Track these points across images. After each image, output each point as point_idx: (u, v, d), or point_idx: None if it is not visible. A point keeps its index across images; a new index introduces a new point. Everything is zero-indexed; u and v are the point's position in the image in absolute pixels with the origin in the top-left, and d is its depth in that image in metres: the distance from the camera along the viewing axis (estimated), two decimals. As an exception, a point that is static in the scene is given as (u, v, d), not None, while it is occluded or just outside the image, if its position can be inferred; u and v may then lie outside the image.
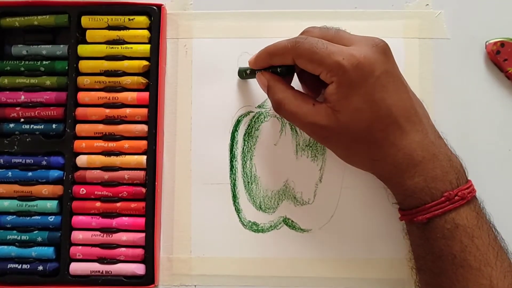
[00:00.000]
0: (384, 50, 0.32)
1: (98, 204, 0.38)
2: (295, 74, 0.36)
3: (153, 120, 0.38)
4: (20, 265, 0.37)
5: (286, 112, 0.34)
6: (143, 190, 0.38)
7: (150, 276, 0.37)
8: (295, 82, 0.36)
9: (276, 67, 0.34)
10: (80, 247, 0.38)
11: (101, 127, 0.38)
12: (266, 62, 0.35)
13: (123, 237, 0.37)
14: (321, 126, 0.32)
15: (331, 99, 0.32)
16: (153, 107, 0.38)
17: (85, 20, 0.39)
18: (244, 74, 0.38)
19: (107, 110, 0.38)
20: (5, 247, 0.38)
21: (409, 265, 0.36)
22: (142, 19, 0.39)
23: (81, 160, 0.38)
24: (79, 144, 0.38)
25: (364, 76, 0.31)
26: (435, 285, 0.32)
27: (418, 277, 0.34)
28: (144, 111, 0.38)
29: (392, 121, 0.31)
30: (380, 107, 0.31)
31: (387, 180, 0.34)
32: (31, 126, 0.38)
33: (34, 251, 0.37)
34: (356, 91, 0.31)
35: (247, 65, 0.37)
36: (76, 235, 0.38)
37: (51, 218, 0.38)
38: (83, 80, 0.39)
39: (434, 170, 0.31)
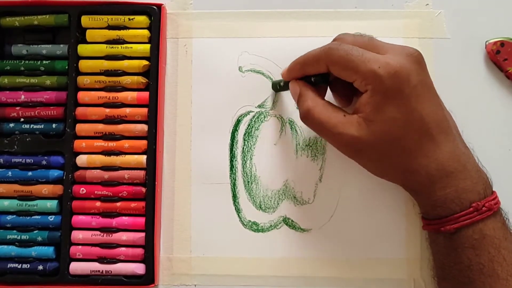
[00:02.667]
0: (419, 59, 0.31)
1: (98, 203, 0.38)
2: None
3: (153, 119, 0.38)
4: (20, 264, 0.37)
5: (314, 121, 0.33)
6: (143, 189, 0.38)
7: (150, 275, 0.37)
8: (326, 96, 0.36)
9: (309, 76, 0.34)
10: (80, 246, 0.38)
11: (101, 127, 0.38)
12: (300, 72, 0.34)
13: (123, 236, 0.37)
14: (352, 137, 0.32)
15: (364, 109, 0.31)
16: (153, 106, 0.38)
17: (85, 20, 0.39)
18: (278, 86, 0.37)
19: (107, 110, 0.38)
20: (5, 246, 0.38)
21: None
22: (142, 19, 0.39)
23: (81, 159, 0.38)
24: (79, 144, 0.38)
25: (400, 85, 0.30)
26: None
27: (440, 286, 0.34)
28: (144, 110, 0.38)
29: (425, 132, 0.31)
30: (414, 118, 0.31)
31: (417, 191, 0.34)
32: (31, 125, 0.38)
33: (34, 251, 0.37)
34: (391, 101, 0.30)
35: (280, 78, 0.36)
36: (76, 235, 0.38)
37: (51, 218, 0.38)
38: (83, 80, 0.39)
39: (465, 181, 0.31)
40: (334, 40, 0.34)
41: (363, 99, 0.31)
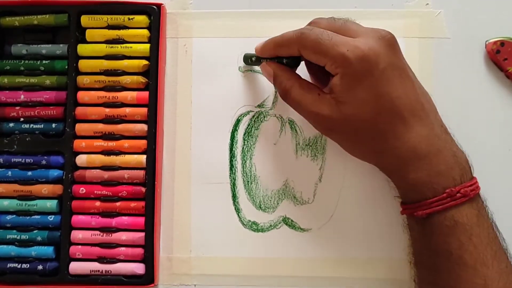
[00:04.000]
0: (390, 42, 0.32)
1: (97, 203, 0.38)
2: (304, 63, 0.36)
3: (152, 119, 0.38)
4: (20, 264, 0.37)
5: (292, 100, 0.34)
6: (143, 189, 0.38)
7: (149, 275, 0.37)
8: (303, 72, 0.36)
9: (282, 58, 0.34)
10: (79, 246, 0.38)
11: (100, 127, 0.38)
12: (273, 52, 0.35)
13: (122, 236, 0.37)
14: (324, 116, 0.32)
15: (335, 90, 0.32)
16: (153, 106, 0.38)
17: (85, 20, 0.39)
18: (250, 60, 0.38)
19: (107, 110, 0.38)
20: (5, 246, 0.38)
21: (408, 260, 0.36)
22: (142, 19, 0.39)
23: (81, 159, 0.38)
24: (78, 144, 0.38)
25: (369, 68, 0.30)
26: (430, 281, 0.32)
27: (415, 271, 0.34)
28: (144, 110, 0.38)
29: (396, 114, 0.31)
30: (384, 100, 0.31)
31: (391, 173, 0.34)
32: (31, 125, 0.38)
33: (33, 251, 0.37)
34: (360, 83, 0.31)
35: (253, 52, 0.37)
36: (76, 235, 0.38)
37: (50, 218, 0.38)
38: (82, 80, 0.39)
39: (438, 165, 0.31)
40: (308, 24, 0.34)
41: (334, 81, 0.32)
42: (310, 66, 0.36)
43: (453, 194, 0.30)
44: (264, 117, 0.39)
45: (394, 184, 0.34)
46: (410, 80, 0.32)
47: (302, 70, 0.36)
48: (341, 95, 0.31)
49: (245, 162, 0.39)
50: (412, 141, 0.31)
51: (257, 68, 0.39)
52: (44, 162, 0.38)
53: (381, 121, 0.31)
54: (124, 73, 0.39)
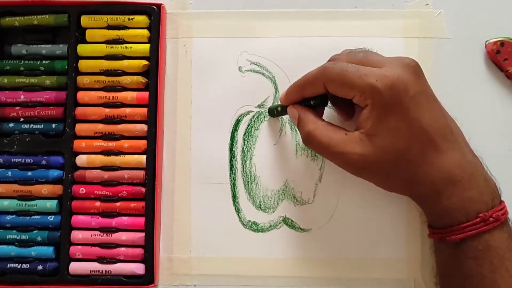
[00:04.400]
0: (415, 70, 0.32)
1: (97, 203, 0.38)
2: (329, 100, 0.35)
3: (152, 119, 0.38)
4: (20, 264, 0.37)
5: (316, 143, 0.33)
6: (143, 189, 0.38)
7: (149, 275, 0.37)
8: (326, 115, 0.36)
9: (308, 99, 0.34)
10: (79, 246, 0.38)
11: (100, 127, 0.38)
12: (298, 95, 0.34)
13: (122, 236, 0.37)
14: (356, 155, 0.32)
15: (365, 124, 0.31)
16: (153, 106, 0.38)
17: (85, 20, 0.39)
18: (275, 112, 0.37)
19: (107, 110, 0.38)
20: (5, 246, 0.38)
21: (433, 281, 0.36)
22: (142, 19, 0.39)
23: (81, 159, 0.38)
24: (78, 144, 0.38)
25: (399, 96, 0.30)
26: None
27: None
28: (144, 110, 0.38)
29: (428, 140, 0.31)
30: (416, 127, 0.31)
31: (423, 200, 0.34)
32: (31, 125, 0.38)
33: (33, 251, 0.37)
34: (391, 112, 0.30)
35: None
36: (76, 235, 0.38)
37: (50, 218, 0.38)
38: (82, 80, 0.39)
39: (471, 190, 0.31)
40: (329, 60, 0.34)
41: (364, 114, 0.31)
42: (334, 101, 0.35)
43: (486, 218, 0.30)
44: (264, 117, 0.39)
45: (424, 210, 0.34)
46: (438, 105, 0.32)
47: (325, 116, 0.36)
48: (373, 128, 0.31)
49: (245, 162, 0.39)
50: (446, 166, 0.31)
51: (257, 68, 0.39)
52: (44, 162, 0.38)
53: (414, 148, 0.31)
54: (124, 73, 0.39)
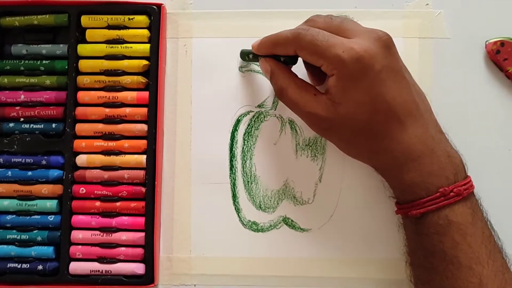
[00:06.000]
0: (386, 43, 0.31)
1: (97, 203, 0.38)
2: (302, 61, 0.35)
3: (153, 119, 0.38)
4: (20, 264, 0.37)
5: (287, 99, 0.34)
6: (143, 189, 0.38)
7: (150, 275, 0.37)
8: (301, 70, 0.36)
9: (279, 56, 0.34)
10: (79, 246, 0.38)
11: (100, 127, 0.38)
12: (269, 50, 0.35)
13: (122, 236, 0.37)
14: (320, 117, 0.32)
15: (331, 91, 0.32)
16: (153, 106, 0.38)
17: (85, 20, 0.39)
18: (247, 57, 0.38)
19: (107, 110, 0.38)
20: (5, 246, 0.38)
21: (403, 259, 0.36)
22: (142, 19, 0.39)
23: (81, 159, 0.38)
24: (79, 144, 0.38)
25: (364, 70, 0.30)
26: (426, 281, 0.32)
27: (411, 271, 0.34)
28: (144, 110, 0.38)
29: (391, 115, 0.31)
30: (379, 101, 0.31)
31: (385, 173, 0.34)
32: (31, 125, 0.38)
33: (33, 251, 0.37)
34: (356, 85, 0.31)
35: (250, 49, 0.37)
36: (76, 235, 0.38)
37: (50, 218, 0.38)
38: (83, 80, 0.39)
39: (432, 165, 0.31)
40: (305, 21, 0.34)
41: (330, 82, 0.32)
42: (308, 65, 0.36)
43: (446, 193, 0.30)
44: (264, 117, 0.39)
45: (388, 184, 0.34)
46: (406, 81, 0.32)
47: (300, 69, 0.36)
48: (337, 96, 0.31)
49: (245, 162, 0.39)
50: (407, 141, 0.31)
51: (257, 68, 0.39)
52: (44, 162, 0.38)
53: (376, 122, 0.31)
54: (124, 73, 0.39)
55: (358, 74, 0.30)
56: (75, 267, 0.37)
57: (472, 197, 0.32)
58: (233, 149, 0.39)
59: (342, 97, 0.31)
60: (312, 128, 0.35)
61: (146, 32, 0.39)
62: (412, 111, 0.32)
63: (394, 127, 0.31)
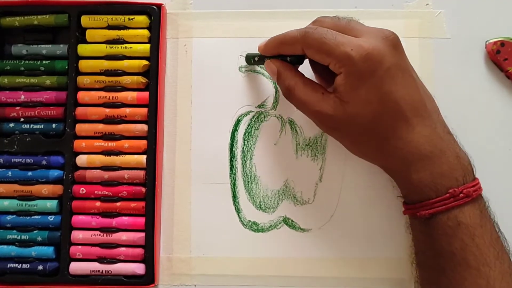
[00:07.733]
0: (394, 42, 0.32)
1: (98, 203, 0.38)
2: (309, 62, 0.36)
3: (153, 119, 0.38)
4: (20, 264, 0.37)
5: (295, 99, 0.34)
6: (143, 189, 0.38)
7: (150, 275, 0.37)
8: (307, 70, 0.36)
9: (285, 56, 0.34)
10: (80, 246, 0.38)
11: (101, 127, 0.38)
12: (276, 50, 0.35)
13: (123, 236, 0.37)
14: (328, 116, 0.32)
15: (339, 90, 0.32)
16: (153, 106, 0.38)
17: (85, 20, 0.39)
18: (252, 60, 0.38)
19: (107, 110, 0.38)
20: (5, 246, 0.38)
21: (410, 260, 0.36)
22: (142, 19, 0.39)
23: (81, 159, 0.38)
24: (79, 144, 0.38)
25: (373, 68, 0.30)
26: (433, 282, 0.32)
27: (417, 272, 0.34)
28: (144, 110, 0.38)
29: (399, 115, 0.31)
30: (387, 100, 0.31)
31: (393, 173, 0.34)
32: (31, 125, 0.38)
33: (34, 251, 0.37)
34: (364, 83, 0.31)
35: (254, 52, 0.37)
36: (76, 235, 0.38)
37: (51, 218, 0.38)
38: (83, 80, 0.39)
39: (441, 166, 0.31)
40: (312, 22, 0.34)
41: (338, 80, 0.32)
42: (314, 65, 0.36)
43: (456, 194, 0.30)
44: (264, 117, 0.39)
45: (397, 184, 0.34)
46: (413, 80, 0.32)
47: (306, 69, 0.36)
48: (345, 95, 0.31)
49: (245, 162, 0.39)
50: (415, 141, 0.31)
51: (258, 68, 0.39)
52: (44, 162, 0.38)
53: (384, 121, 0.31)
54: (124, 73, 0.39)
55: (366, 72, 0.30)
56: (75, 267, 0.37)
57: (481, 199, 0.32)
58: (233, 149, 0.39)
59: (350, 96, 0.31)
60: (320, 127, 0.35)
61: (146, 32, 0.39)
62: (419, 111, 0.32)
63: (401, 126, 0.31)
